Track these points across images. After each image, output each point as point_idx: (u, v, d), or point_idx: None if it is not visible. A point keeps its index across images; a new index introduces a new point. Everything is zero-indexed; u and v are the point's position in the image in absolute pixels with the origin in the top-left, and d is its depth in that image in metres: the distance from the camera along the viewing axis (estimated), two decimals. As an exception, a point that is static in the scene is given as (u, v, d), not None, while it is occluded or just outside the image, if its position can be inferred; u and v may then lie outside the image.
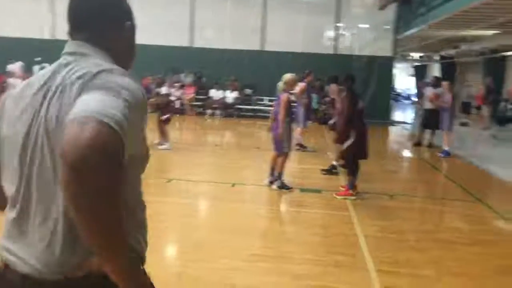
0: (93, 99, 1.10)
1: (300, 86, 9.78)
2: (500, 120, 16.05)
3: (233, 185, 6.94)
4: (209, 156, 9.58)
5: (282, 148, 6.66)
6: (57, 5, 17.95)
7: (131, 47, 1.44)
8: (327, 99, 9.71)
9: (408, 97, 31.79)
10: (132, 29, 1.42)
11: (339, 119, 6.93)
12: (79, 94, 1.16)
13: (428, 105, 11.49)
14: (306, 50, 17.19)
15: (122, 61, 1.37)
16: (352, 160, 6.48)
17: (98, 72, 1.20)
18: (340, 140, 6.67)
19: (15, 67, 17.26)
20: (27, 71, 17.41)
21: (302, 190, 6.82)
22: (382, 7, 14.70)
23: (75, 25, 1.35)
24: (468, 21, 12.58)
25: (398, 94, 32.24)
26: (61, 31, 18.08)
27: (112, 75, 1.20)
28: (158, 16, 17.72)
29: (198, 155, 9.38)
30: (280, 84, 6.84)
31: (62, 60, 1.30)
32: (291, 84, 6.91)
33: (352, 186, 6.51)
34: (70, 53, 1.30)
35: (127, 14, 1.41)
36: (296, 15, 17.67)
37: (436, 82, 11.64)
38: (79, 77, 1.20)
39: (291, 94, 7.28)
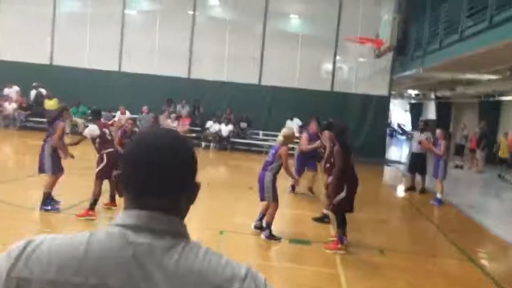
0: None
1: (303, 138, 9.76)
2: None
3: (221, 232, 6.82)
4: (199, 197, 9.44)
5: (265, 197, 6.67)
6: (57, 31, 18.09)
7: (192, 204, 1.20)
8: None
9: (403, 133, 31.96)
10: (199, 188, 1.18)
11: (332, 172, 6.82)
12: None
13: (415, 148, 11.61)
14: (302, 86, 17.30)
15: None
16: (341, 213, 6.42)
17: (246, 276, 1.03)
18: (332, 193, 6.57)
19: (12, 91, 17.27)
20: (24, 96, 17.47)
21: (291, 241, 6.71)
22: (378, 57, 14.86)
23: (155, 188, 1.06)
24: (463, 67, 12.73)
25: (394, 130, 32.41)
26: (59, 57, 18.20)
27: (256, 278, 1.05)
28: (157, 46, 17.89)
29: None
30: (280, 138, 6.85)
31: (146, 240, 1.01)
32: (290, 140, 7.01)
33: (341, 239, 6.41)
34: (161, 232, 1.03)
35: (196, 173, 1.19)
36: (294, 51, 17.86)
37: (424, 127, 11.71)
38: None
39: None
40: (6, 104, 16.77)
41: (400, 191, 12.40)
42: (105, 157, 6.98)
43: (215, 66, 17.95)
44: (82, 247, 1.00)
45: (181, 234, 1.07)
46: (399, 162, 18.06)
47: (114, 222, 1.05)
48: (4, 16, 18.13)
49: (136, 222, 1.03)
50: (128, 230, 1.02)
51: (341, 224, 6.42)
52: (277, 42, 17.71)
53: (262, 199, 6.75)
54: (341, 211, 6.41)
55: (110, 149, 7.06)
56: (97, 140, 7.08)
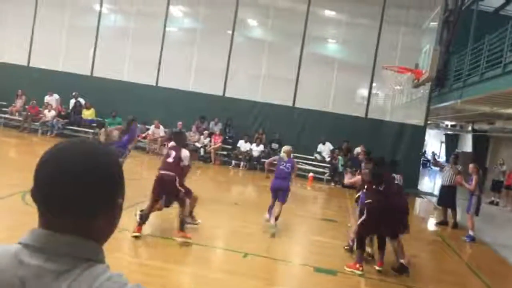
0: None
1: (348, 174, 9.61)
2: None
3: (245, 255, 6.74)
4: (225, 216, 9.43)
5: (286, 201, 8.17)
6: (99, 44, 18.65)
7: (114, 226, 1.09)
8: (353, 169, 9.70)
9: (436, 164, 31.18)
10: (121, 206, 1.09)
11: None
12: None
13: (445, 181, 11.32)
14: (336, 111, 17.19)
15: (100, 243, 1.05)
16: (361, 235, 6.65)
17: None
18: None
19: (52, 99, 17.81)
20: (63, 104, 18.01)
21: (317, 270, 6.56)
22: (417, 86, 14.64)
23: (56, 208, 0.99)
24: (504, 102, 12.37)
25: (428, 160, 31.70)
26: (99, 69, 18.72)
27: None
28: (194, 63, 18.19)
29: (214, 214, 9.24)
30: (283, 154, 8.35)
31: (37, 262, 0.94)
32: (289, 155, 8.39)
33: (360, 260, 6.52)
34: (58, 254, 0.95)
35: (121, 188, 1.10)
36: (330, 75, 17.82)
37: (455, 160, 11.44)
38: None
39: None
40: (46, 111, 17.31)
41: (432, 225, 12.02)
42: None
43: (250, 86, 18.09)
44: None
45: (86, 258, 0.97)
46: (431, 194, 17.57)
47: (19, 239, 1.00)
48: (49, 26, 18.83)
49: (33, 242, 0.96)
50: (25, 250, 0.96)
51: (360, 246, 6.63)
52: (313, 65, 17.71)
53: (283, 202, 8.08)
54: (361, 233, 6.65)
55: None
56: None
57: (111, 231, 1.08)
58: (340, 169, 15.33)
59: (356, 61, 17.75)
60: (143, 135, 16.81)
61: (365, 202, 6.76)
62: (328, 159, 16.43)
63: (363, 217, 6.63)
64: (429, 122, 19.84)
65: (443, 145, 31.73)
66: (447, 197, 11.31)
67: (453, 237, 10.29)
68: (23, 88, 17.82)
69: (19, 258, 0.95)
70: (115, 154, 1.16)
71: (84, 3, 19.27)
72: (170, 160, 6.79)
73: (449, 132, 28.87)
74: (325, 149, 16.66)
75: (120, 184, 1.09)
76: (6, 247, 0.99)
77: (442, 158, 31.15)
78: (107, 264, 1.01)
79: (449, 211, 11.31)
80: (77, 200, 0.99)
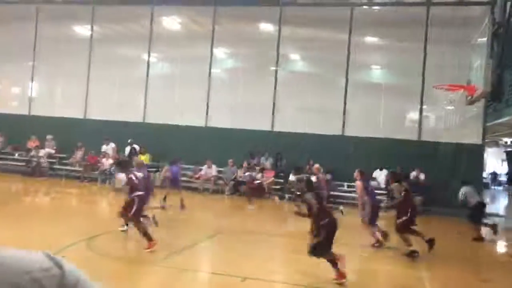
0: None
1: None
2: None
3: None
4: (278, 248, 9.30)
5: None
6: (149, 90, 19.42)
7: None
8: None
9: (499, 183, 29.73)
10: None
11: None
12: None
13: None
14: (387, 136, 16.86)
15: None
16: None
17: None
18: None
19: (109, 147, 18.53)
20: (119, 152, 18.71)
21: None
22: (471, 103, 14.18)
23: None
24: None
25: (490, 180, 30.28)
26: (151, 114, 19.37)
27: None
28: (240, 101, 18.54)
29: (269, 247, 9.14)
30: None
31: None
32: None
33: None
34: None
35: None
36: (377, 100, 17.62)
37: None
38: None
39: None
40: (104, 160, 18.02)
41: (501, 247, 11.33)
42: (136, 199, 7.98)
43: (297, 118, 18.14)
44: None
45: None
46: (497, 215, 16.64)
47: None
48: (102, 80, 19.84)
49: None
50: None
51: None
52: (360, 93, 17.60)
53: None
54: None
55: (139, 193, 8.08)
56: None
57: None
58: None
59: (403, 84, 17.50)
60: (196, 175, 17.11)
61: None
62: (383, 185, 16.00)
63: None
64: (486, 140, 19.04)
65: (505, 164, 30.25)
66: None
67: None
68: (81, 139, 18.68)
69: None
70: None
71: (133, 55, 20.22)
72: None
73: (509, 149, 27.55)
74: (381, 175, 16.26)
75: None
76: None
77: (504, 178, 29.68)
78: None
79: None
80: None
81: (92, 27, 20.27)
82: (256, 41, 18.79)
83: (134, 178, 8.13)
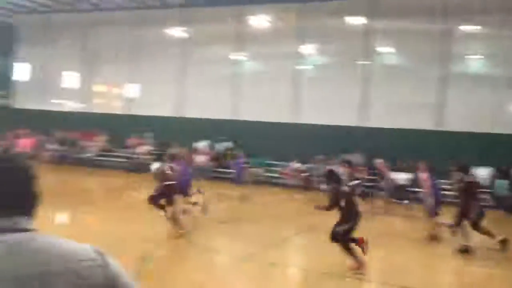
0: None
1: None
2: None
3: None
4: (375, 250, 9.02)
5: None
6: (239, 88, 19.84)
7: None
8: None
9: None
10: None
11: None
12: None
13: None
14: (486, 130, 15.77)
15: None
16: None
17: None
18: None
19: (201, 145, 19.20)
20: (211, 149, 19.32)
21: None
22: None
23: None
24: None
25: None
26: (241, 112, 19.78)
27: None
28: (328, 96, 18.29)
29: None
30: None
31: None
32: None
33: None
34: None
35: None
36: (474, 93, 16.44)
37: None
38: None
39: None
40: (196, 157, 18.65)
41: None
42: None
43: (388, 113, 17.48)
44: None
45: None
46: None
47: None
48: (195, 79, 20.59)
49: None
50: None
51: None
52: (458, 85, 16.61)
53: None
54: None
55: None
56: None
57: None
58: (504, 192, 13.85)
59: (504, 74, 16.27)
60: (285, 171, 17.21)
61: None
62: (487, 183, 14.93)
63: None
64: None
65: None
66: None
67: None
68: (176, 136, 19.46)
69: None
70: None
71: (222, 55, 20.65)
72: None
73: None
74: (485, 172, 15.12)
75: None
76: None
77: None
78: None
79: None
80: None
81: (184, 29, 21.14)
82: (343, 35, 18.39)
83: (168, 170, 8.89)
